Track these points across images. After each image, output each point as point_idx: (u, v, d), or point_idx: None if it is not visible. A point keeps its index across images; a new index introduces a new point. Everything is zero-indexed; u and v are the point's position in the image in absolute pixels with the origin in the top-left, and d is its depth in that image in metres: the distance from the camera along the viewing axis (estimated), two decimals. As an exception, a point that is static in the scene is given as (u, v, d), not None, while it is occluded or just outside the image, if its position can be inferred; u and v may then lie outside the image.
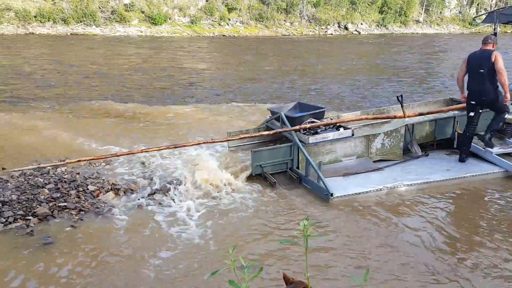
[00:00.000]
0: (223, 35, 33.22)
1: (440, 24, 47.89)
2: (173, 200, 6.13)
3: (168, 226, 5.48)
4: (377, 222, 5.60)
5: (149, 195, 6.25)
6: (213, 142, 7.07)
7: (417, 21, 46.56)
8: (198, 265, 4.64)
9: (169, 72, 17.67)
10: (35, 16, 32.14)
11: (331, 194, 6.12)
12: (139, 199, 6.13)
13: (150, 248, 4.98)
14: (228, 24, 35.75)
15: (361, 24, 42.56)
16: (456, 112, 7.90)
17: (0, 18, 31.34)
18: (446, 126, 7.87)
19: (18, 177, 6.59)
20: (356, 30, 41.43)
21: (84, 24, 32.67)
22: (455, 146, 7.85)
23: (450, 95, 10.82)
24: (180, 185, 6.46)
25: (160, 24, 33.66)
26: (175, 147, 6.61)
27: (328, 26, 40.50)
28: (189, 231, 5.38)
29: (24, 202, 5.77)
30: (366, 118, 7.70)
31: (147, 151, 6.74)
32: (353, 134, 7.21)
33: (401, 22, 44.75)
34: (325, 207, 6.02)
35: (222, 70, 18.55)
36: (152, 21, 33.68)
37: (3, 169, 6.99)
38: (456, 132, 7.79)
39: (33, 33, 31.05)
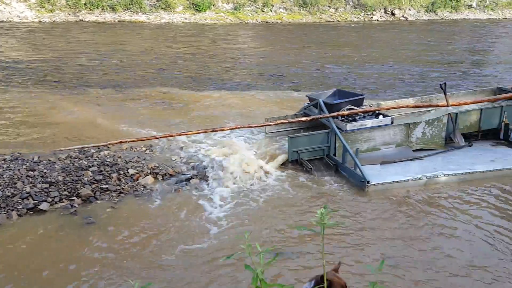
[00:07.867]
0: (266, 22, 33.06)
1: (494, 9, 45.31)
2: (208, 185, 6.27)
3: (201, 211, 5.64)
4: (412, 214, 5.48)
5: (186, 179, 6.41)
6: (250, 127, 7.04)
7: (470, 6, 44.26)
8: (221, 250, 4.74)
9: (210, 58, 17.84)
10: (84, 4, 33.20)
11: (368, 182, 6.03)
12: (176, 183, 6.30)
13: (180, 232, 5.16)
14: (271, 11, 35.53)
15: (409, 9, 41.00)
16: (504, 101, 7.53)
17: (52, 6, 32.62)
18: (492, 116, 7.53)
19: (64, 159, 6.92)
20: (403, 16, 39.95)
21: (130, 11, 33.46)
22: (501, 137, 7.51)
23: (498, 84, 10.29)
24: (215, 170, 6.58)
25: (204, 11, 33.97)
26: (212, 131, 6.65)
27: (374, 12, 39.30)
28: (220, 215, 5.51)
29: (69, 183, 6.07)
30: (407, 106, 7.31)
31: (185, 134, 6.81)
32: (392, 122, 7.04)
33: (452, 7, 42.70)
34: (360, 195, 5.96)
35: (263, 57, 18.51)
36: (196, 8, 34.02)
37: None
38: (503, 123, 7.45)
39: (82, 20, 32.15)
